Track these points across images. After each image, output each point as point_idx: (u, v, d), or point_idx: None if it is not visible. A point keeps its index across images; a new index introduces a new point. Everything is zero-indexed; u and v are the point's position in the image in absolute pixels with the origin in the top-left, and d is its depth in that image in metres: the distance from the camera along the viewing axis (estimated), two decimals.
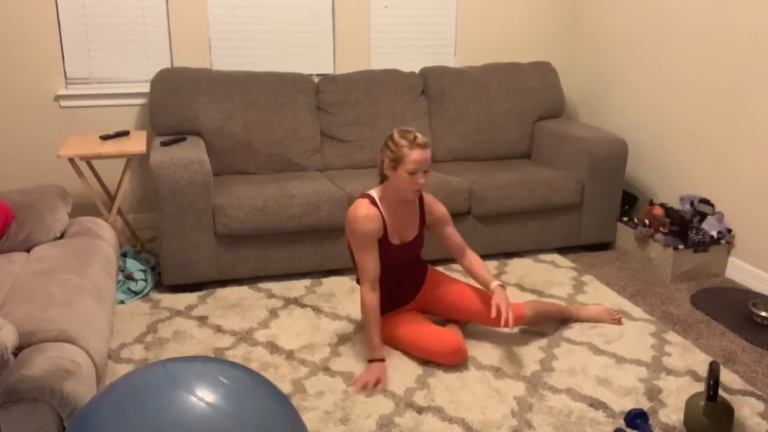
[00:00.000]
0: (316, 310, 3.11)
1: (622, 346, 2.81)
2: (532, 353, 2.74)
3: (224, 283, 3.38)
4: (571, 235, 3.82)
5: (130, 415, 1.35)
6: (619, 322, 3.01)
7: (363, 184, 3.44)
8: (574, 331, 2.93)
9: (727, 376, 2.60)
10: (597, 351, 2.77)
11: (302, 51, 4.12)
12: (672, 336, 2.91)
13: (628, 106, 4.21)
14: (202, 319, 3.00)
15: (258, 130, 3.70)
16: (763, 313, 2.98)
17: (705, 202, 3.60)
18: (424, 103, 4.02)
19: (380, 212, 2.58)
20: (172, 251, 3.18)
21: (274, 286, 3.35)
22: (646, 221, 3.62)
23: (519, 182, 3.62)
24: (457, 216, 3.57)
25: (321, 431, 2.24)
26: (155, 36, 3.87)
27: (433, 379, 2.55)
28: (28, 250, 2.66)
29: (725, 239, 3.50)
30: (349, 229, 2.55)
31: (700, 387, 2.52)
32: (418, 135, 2.50)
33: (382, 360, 2.57)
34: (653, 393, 2.48)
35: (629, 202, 4.04)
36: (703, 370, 2.64)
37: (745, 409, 2.39)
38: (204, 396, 1.39)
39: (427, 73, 4.07)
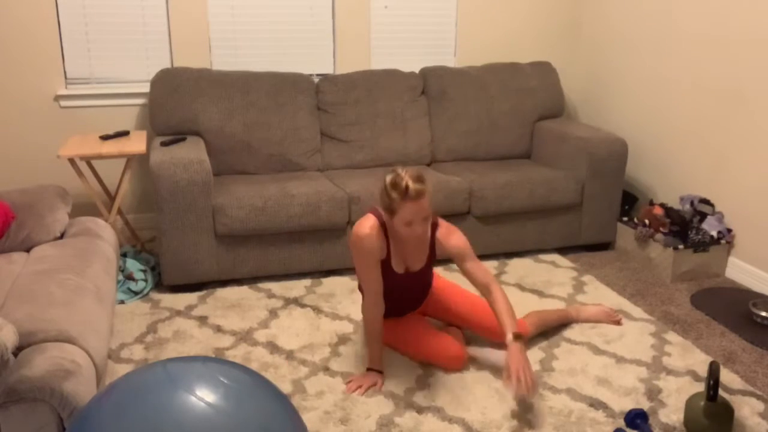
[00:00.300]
0: (316, 310, 3.11)
1: (622, 346, 2.81)
2: (532, 353, 2.74)
3: (224, 283, 3.38)
4: (571, 235, 3.83)
5: (130, 415, 1.35)
6: (618, 322, 3.01)
7: (363, 184, 3.44)
8: (574, 331, 2.93)
9: (727, 376, 2.60)
10: (597, 351, 2.77)
11: (302, 51, 4.12)
12: (672, 336, 2.91)
13: (628, 106, 4.21)
14: (202, 319, 3.00)
15: (258, 130, 3.70)
16: (763, 313, 2.98)
17: (705, 202, 3.60)
18: (424, 103, 4.02)
19: (385, 235, 2.46)
20: (172, 251, 3.18)
21: (274, 286, 3.35)
22: (646, 221, 3.62)
23: (519, 182, 3.62)
24: (457, 216, 3.57)
25: (321, 431, 2.24)
26: (155, 36, 3.87)
27: (433, 379, 2.55)
28: (28, 250, 2.66)
29: (725, 239, 3.50)
30: (351, 243, 2.45)
31: (700, 387, 2.52)
32: (411, 184, 2.26)
33: (380, 372, 2.55)
34: (653, 393, 2.48)
35: (629, 202, 4.04)
36: (703, 370, 2.64)
37: (745, 409, 2.39)
38: (204, 396, 1.39)
39: (427, 73, 4.07)
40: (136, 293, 3.20)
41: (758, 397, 2.46)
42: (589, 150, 3.68)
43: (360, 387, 2.46)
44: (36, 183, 3.83)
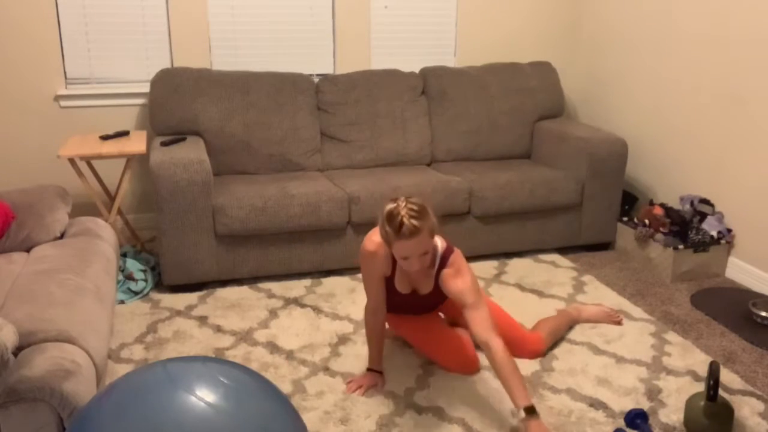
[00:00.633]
0: (316, 310, 3.11)
1: (622, 346, 2.81)
2: None
3: (224, 283, 3.38)
4: (571, 235, 3.82)
5: (130, 415, 1.35)
6: (619, 322, 3.01)
7: (363, 184, 3.44)
8: (574, 331, 2.93)
9: (727, 376, 2.60)
10: (597, 351, 2.77)
11: (302, 51, 4.12)
12: (672, 336, 2.91)
13: (628, 106, 4.21)
14: (202, 319, 3.00)
15: (258, 130, 3.70)
16: (763, 313, 2.98)
17: (705, 202, 3.60)
18: (424, 103, 4.02)
19: (392, 253, 2.31)
20: (172, 251, 3.18)
21: (274, 286, 3.35)
22: (646, 221, 3.62)
23: (519, 182, 3.62)
24: (457, 216, 3.57)
25: (321, 431, 2.24)
26: (155, 36, 3.87)
27: (433, 379, 2.55)
28: (28, 250, 2.66)
29: (725, 239, 3.49)
30: (359, 252, 2.38)
31: (700, 387, 2.52)
32: (406, 221, 2.10)
33: (380, 372, 2.54)
34: (653, 393, 2.48)
35: (629, 202, 4.04)
36: (703, 370, 2.64)
37: (745, 409, 2.39)
38: (204, 396, 1.39)
39: (427, 73, 4.07)
40: (136, 293, 3.20)
41: (758, 397, 2.46)
42: (589, 150, 3.68)
43: (360, 387, 2.46)
44: (36, 183, 3.83)
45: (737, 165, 3.46)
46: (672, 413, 2.36)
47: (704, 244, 3.47)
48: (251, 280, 3.42)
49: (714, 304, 3.20)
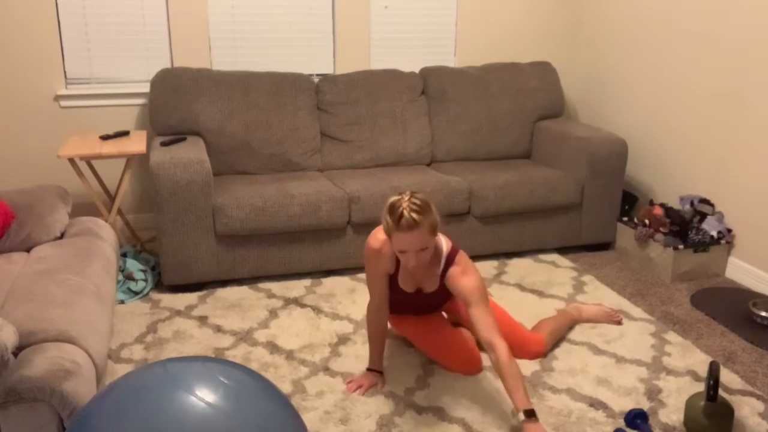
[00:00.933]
0: (316, 310, 3.11)
1: (622, 346, 2.81)
2: None
3: (224, 283, 3.38)
4: (571, 235, 3.82)
5: (130, 415, 1.35)
6: (619, 322, 3.01)
7: (363, 184, 3.44)
8: (574, 331, 2.93)
9: (727, 376, 2.60)
10: (597, 351, 2.77)
11: (302, 51, 4.12)
12: (672, 336, 2.91)
13: (628, 106, 4.21)
14: (202, 319, 3.00)
15: (258, 130, 3.70)
16: (763, 313, 2.98)
17: (705, 202, 3.60)
18: (424, 103, 4.02)
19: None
20: (172, 251, 3.18)
21: (274, 286, 3.35)
22: (646, 221, 3.62)
23: (519, 182, 3.62)
24: (457, 216, 3.57)
25: (321, 431, 2.24)
26: (155, 36, 3.87)
27: (433, 379, 2.55)
28: (28, 250, 2.66)
29: (725, 239, 3.49)
30: (364, 249, 2.39)
31: (700, 387, 2.52)
32: (406, 213, 2.11)
33: (381, 372, 2.54)
34: (653, 393, 2.48)
35: (629, 202, 4.04)
36: (703, 370, 2.64)
37: (745, 409, 2.39)
38: (204, 396, 1.39)
39: (427, 73, 4.07)
40: (136, 293, 3.20)
41: (758, 397, 2.46)
42: (589, 150, 3.68)
43: (360, 387, 2.46)
44: (36, 183, 3.83)
45: (737, 165, 3.46)
46: (672, 413, 2.36)
47: (704, 244, 3.47)
48: (251, 280, 3.42)
49: (714, 304, 3.20)
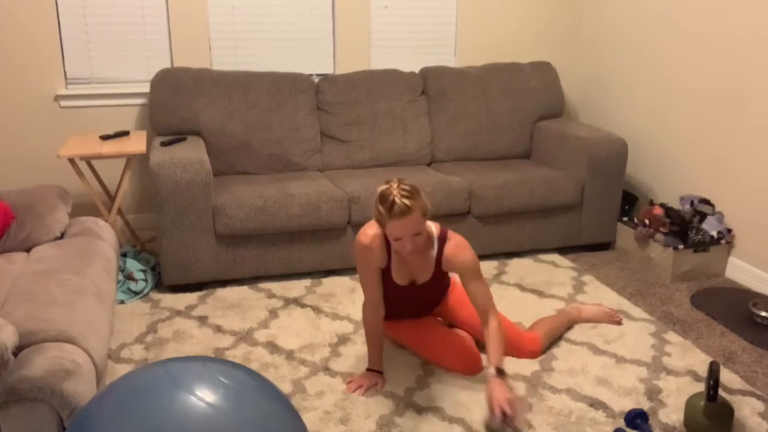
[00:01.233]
0: (316, 310, 3.11)
1: (622, 346, 2.81)
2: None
3: (224, 283, 3.38)
4: (571, 235, 3.82)
5: (130, 415, 1.35)
6: (619, 322, 3.01)
7: (363, 184, 3.44)
8: (574, 331, 2.93)
9: (727, 376, 2.60)
10: (597, 351, 2.77)
11: (302, 51, 4.12)
12: (672, 336, 2.91)
13: (628, 106, 4.21)
14: (202, 319, 3.00)
15: (258, 130, 3.70)
16: (763, 313, 2.98)
17: (705, 202, 3.60)
18: (424, 103, 4.02)
19: (387, 244, 2.39)
20: (172, 251, 3.18)
21: (274, 286, 3.35)
22: (646, 221, 3.62)
23: (519, 182, 3.62)
24: (457, 216, 3.57)
25: (321, 431, 2.24)
26: (155, 36, 3.87)
27: (433, 379, 2.54)
28: (28, 250, 2.66)
29: (725, 239, 3.50)
30: (354, 247, 2.44)
31: (700, 387, 2.52)
32: (398, 200, 2.16)
33: (380, 372, 2.54)
34: (653, 393, 2.48)
35: (629, 202, 4.04)
36: (703, 370, 2.64)
37: (745, 409, 2.39)
38: (204, 396, 1.39)
39: (427, 73, 4.07)
40: (136, 293, 3.20)
41: (758, 397, 2.46)
42: (589, 150, 3.68)
43: (360, 387, 2.46)
44: (36, 183, 3.83)
45: (737, 165, 3.46)
46: (672, 413, 2.36)
47: (704, 244, 3.47)
48: (251, 280, 3.42)
49: (714, 304, 3.20)
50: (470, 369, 2.57)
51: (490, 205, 3.58)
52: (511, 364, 2.65)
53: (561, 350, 2.78)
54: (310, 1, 4.05)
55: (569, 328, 2.95)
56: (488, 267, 3.63)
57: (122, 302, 3.15)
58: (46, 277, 2.30)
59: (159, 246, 3.19)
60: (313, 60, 4.16)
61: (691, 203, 3.63)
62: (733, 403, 2.41)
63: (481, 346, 2.68)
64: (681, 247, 3.44)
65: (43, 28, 3.67)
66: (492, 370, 2.26)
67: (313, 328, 2.94)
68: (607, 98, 4.39)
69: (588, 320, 3.00)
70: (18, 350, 1.89)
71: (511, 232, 3.70)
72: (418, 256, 2.42)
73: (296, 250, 3.37)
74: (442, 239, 2.41)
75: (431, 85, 4.04)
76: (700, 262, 3.49)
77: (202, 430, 1.33)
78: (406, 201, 2.17)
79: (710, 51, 3.56)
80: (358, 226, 3.42)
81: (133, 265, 3.27)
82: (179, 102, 3.61)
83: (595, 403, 2.41)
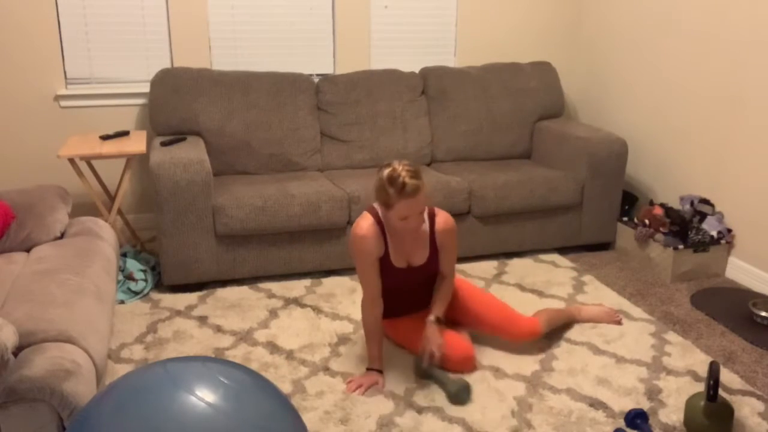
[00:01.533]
0: (316, 310, 3.11)
1: (622, 346, 2.81)
2: (532, 353, 2.74)
3: (224, 283, 3.38)
4: (571, 235, 3.82)
5: (130, 415, 1.35)
6: (619, 322, 3.01)
7: (363, 184, 3.44)
8: (574, 331, 2.93)
9: (727, 376, 2.60)
10: (597, 351, 2.77)
11: (302, 51, 4.12)
12: (672, 336, 2.91)
13: (628, 106, 4.21)
14: (202, 319, 3.00)
15: (258, 130, 3.70)
16: (763, 313, 2.98)
17: (705, 202, 3.60)
18: (424, 103, 4.02)
19: (383, 231, 2.48)
20: (172, 251, 3.18)
21: (274, 286, 3.35)
22: (646, 221, 3.62)
23: (519, 182, 3.62)
24: (457, 216, 3.57)
25: (321, 431, 2.24)
26: (155, 36, 3.87)
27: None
28: (28, 250, 2.66)
29: (725, 239, 3.49)
30: (349, 242, 2.49)
31: (700, 387, 2.52)
32: (408, 180, 2.28)
33: (381, 372, 2.54)
34: (653, 393, 2.48)
35: (629, 202, 4.04)
36: (703, 370, 2.64)
37: (745, 409, 2.39)
38: (204, 396, 1.39)
39: (427, 73, 4.07)
40: (136, 293, 3.20)
41: (758, 397, 2.46)
42: (589, 150, 3.68)
43: (360, 387, 2.46)
44: (36, 183, 3.83)
45: (737, 165, 3.46)
46: (672, 413, 2.36)
47: (704, 244, 3.47)
48: (251, 280, 3.42)
49: (714, 304, 3.20)
50: (463, 366, 2.58)
51: (490, 205, 3.58)
52: (511, 364, 2.65)
53: (561, 350, 2.78)
54: (310, 1, 4.06)
55: (569, 326, 2.95)
56: (488, 267, 3.63)
57: (122, 302, 3.15)
58: (46, 277, 2.30)
59: (159, 246, 3.19)
60: (313, 60, 4.16)
61: (691, 203, 3.63)
62: (733, 403, 2.41)
63: (478, 343, 2.68)
64: (681, 247, 3.44)
65: (43, 28, 3.67)
66: (432, 317, 2.52)
67: (313, 328, 2.94)
68: (607, 98, 4.39)
69: (588, 320, 3.00)
70: (18, 350, 1.89)
71: (511, 232, 3.70)
72: (415, 233, 2.54)
73: (296, 250, 3.37)
74: (432, 215, 2.57)
75: (431, 85, 4.04)
76: (700, 262, 3.49)
77: (202, 430, 1.33)
78: (416, 180, 2.31)
79: (710, 51, 3.56)
80: None
81: (133, 265, 3.27)
82: (179, 102, 3.61)
83: (595, 403, 2.41)
